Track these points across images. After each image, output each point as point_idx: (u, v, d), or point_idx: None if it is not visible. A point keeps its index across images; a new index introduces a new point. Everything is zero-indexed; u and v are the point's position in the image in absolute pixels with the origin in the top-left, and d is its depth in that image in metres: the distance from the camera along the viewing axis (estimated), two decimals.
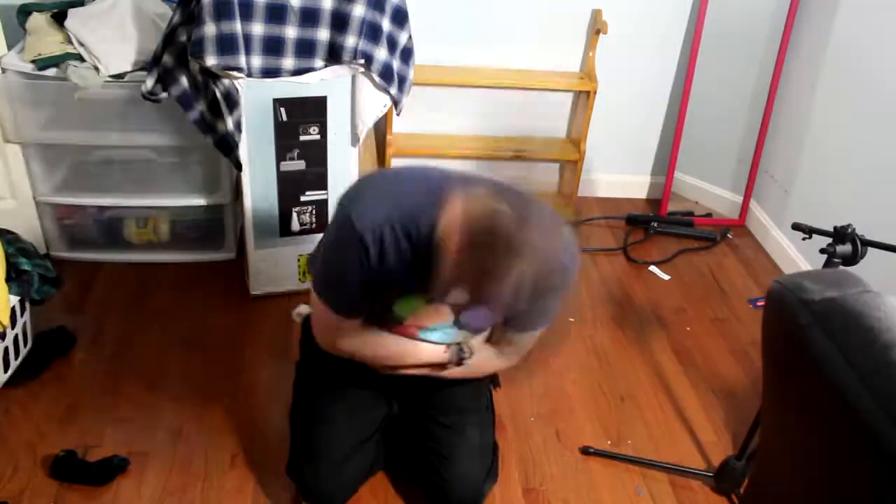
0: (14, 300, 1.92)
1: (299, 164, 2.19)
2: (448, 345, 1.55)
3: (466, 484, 1.65)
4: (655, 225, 2.95)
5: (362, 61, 2.01)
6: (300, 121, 2.13)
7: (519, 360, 1.64)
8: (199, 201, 2.45)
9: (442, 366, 1.56)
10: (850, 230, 1.59)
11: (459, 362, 1.55)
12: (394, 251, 1.33)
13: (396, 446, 1.80)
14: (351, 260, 1.35)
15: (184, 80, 2.04)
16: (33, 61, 2.16)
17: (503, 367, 1.68)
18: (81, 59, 2.17)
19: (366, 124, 2.17)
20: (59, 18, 2.22)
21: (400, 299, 1.47)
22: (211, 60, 1.91)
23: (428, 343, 1.54)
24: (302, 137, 2.16)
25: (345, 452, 1.65)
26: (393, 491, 1.80)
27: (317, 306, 1.51)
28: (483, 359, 1.60)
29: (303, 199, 2.26)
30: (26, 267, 1.96)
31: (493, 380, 1.97)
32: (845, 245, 1.59)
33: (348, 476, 1.67)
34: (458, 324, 1.52)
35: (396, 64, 2.11)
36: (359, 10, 1.95)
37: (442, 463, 1.65)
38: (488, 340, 1.62)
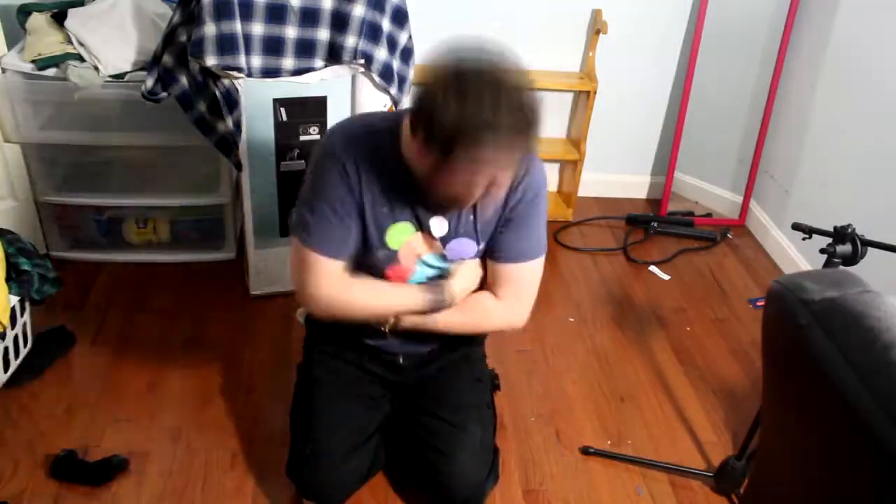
0: (14, 300, 1.92)
1: (299, 164, 2.19)
2: (426, 283, 1.53)
3: (467, 482, 1.65)
4: (655, 225, 2.95)
5: (362, 61, 2.02)
6: (300, 121, 2.13)
7: (521, 310, 1.59)
8: (199, 201, 2.45)
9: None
10: (849, 230, 1.59)
11: (438, 307, 1.52)
12: (372, 169, 1.41)
13: (396, 443, 1.80)
14: (332, 183, 1.41)
15: (184, 80, 2.04)
16: (33, 61, 2.16)
17: (506, 319, 1.61)
18: (81, 59, 2.17)
19: None
20: (59, 18, 2.22)
21: (388, 228, 1.47)
22: (211, 60, 1.91)
23: (405, 288, 1.52)
24: (302, 137, 2.16)
25: (344, 453, 1.65)
26: (393, 491, 1.80)
27: (299, 258, 1.46)
28: (481, 304, 1.57)
29: None
30: (26, 267, 1.97)
31: (493, 381, 1.96)
32: (845, 245, 1.59)
33: (347, 477, 1.67)
34: (446, 258, 1.53)
35: (396, 64, 2.11)
36: (359, 10, 1.95)
37: (441, 459, 1.64)
38: (483, 287, 1.58)
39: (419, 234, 1.50)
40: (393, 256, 1.51)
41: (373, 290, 1.52)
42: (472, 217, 1.50)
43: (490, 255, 1.56)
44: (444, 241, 1.51)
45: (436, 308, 1.52)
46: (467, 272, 1.56)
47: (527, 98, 1.23)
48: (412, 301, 1.51)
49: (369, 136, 1.44)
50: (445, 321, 1.55)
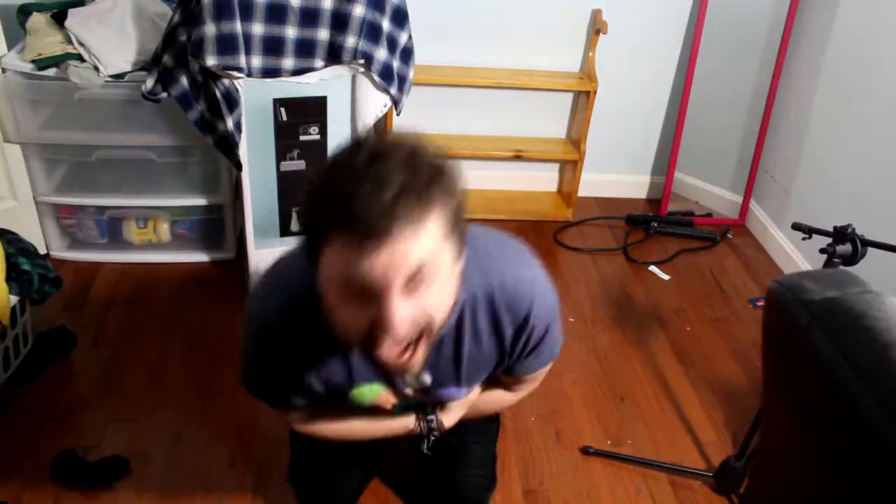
0: (14, 300, 1.92)
1: (299, 165, 2.19)
2: (416, 413, 1.39)
3: (469, 494, 1.65)
4: (655, 225, 2.95)
5: (362, 61, 2.02)
6: (300, 121, 2.13)
7: (532, 389, 1.47)
8: (199, 201, 2.45)
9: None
10: (849, 230, 1.59)
11: (429, 434, 1.39)
12: (308, 337, 1.19)
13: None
14: (266, 357, 1.27)
15: (184, 80, 2.04)
16: (33, 61, 2.16)
17: (517, 400, 1.49)
18: (81, 59, 2.17)
19: (366, 124, 2.18)
20: (59, 18, 2.22)
21: (350, 393, 1.27)
22: (211, 60, 1.91)
23: (382, 423, 1.39)
24: (302, 137, 2.16)
25: (345, 463, 1.63)
26: (393, 492, 1.80)
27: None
28: (492, 399, 1.43)
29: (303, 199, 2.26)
30: (26, 267, 1.96)
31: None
32: (845, 245, 1.59)
33: (349, 487, 1.65)
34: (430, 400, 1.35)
35: (396, 64, 2.11)
36: (359, 10, 1.95)
37: (444, 476, 1.64)
38: (493, 385, 1.42)
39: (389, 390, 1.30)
40: (365, 408, 1.33)
41: (342, 428, 1.39)
42: (453, 363, 1.24)
43: (502, 372, 1.35)
44: (424, 391, 1.31)
45: (426, 432, 1.39)
46: (458, 408, 1.39)
47: (424, 159, 0.92)
48: (390, 431, 1.40)
49: (292, 311, 1.20)
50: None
